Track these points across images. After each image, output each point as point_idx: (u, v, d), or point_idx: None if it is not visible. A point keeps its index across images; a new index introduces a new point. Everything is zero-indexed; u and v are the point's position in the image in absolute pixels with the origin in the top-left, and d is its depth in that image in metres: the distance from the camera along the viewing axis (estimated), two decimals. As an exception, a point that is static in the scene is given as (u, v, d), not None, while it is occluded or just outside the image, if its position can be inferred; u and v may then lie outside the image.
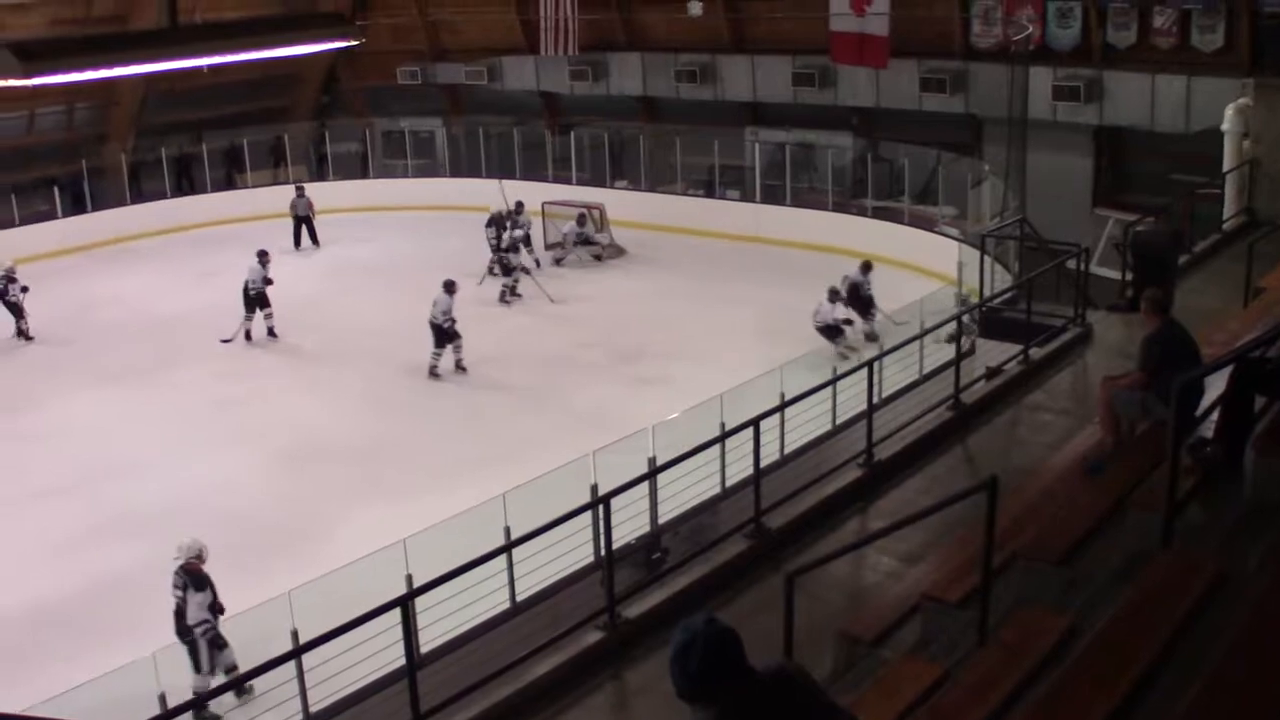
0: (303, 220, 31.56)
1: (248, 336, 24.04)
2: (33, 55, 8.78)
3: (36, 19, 29.59)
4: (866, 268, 22.81)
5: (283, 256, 27.51)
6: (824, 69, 29.77)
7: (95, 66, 9.69)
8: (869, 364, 12.11)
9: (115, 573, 15.00)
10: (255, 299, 24.09)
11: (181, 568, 12.49)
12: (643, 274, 27.39)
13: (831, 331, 21.48)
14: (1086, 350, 14.49)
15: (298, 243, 31.30)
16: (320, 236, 31.53)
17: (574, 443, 15.33)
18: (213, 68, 23.88)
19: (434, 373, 21.87)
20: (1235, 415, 8.38)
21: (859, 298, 22.40)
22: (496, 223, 27.70)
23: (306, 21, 22.68)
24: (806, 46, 29.80)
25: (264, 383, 21.82)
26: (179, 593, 12.43)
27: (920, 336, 16.79)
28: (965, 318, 18.28)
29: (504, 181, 28.63)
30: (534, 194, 30.81)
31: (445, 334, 21.90)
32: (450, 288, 22.13)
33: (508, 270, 26.38)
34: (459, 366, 22.01)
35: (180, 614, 12.42)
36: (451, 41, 36.84)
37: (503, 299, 25.86)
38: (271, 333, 24.12)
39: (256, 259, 24.53)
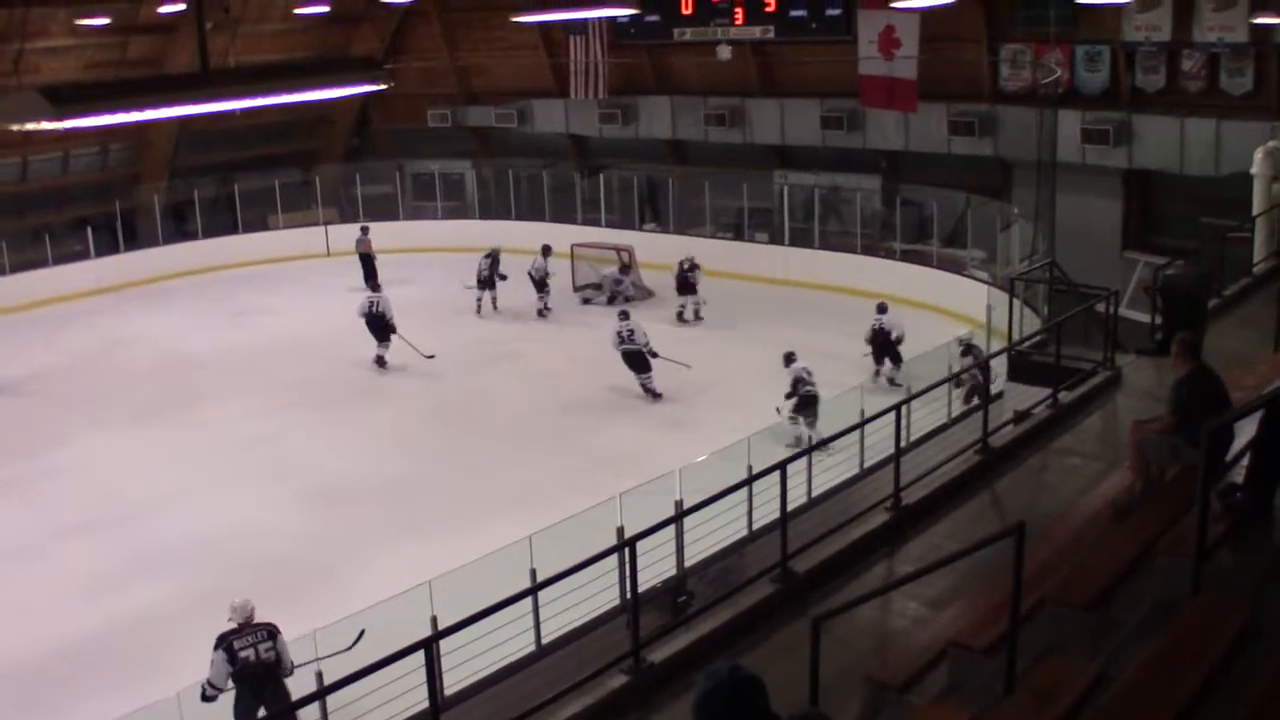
0: (365, 260, 31.53)
1: (381, 362, 24.59)
2: (64, 99, 8.83)
3: (73, 62, 29.90)
4: (882, 309, 22.69)
5: (350, 293, 27.74)
6: (852, 112, 29.82)
7: (128, 109, 9.75)
8: (897, 408, 11.99)
9: (143, 612, 15.01)
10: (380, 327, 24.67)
11: (253, 625, 11.92)
12: (670, 316, 27.27)
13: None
14: (1116, 394, 14.37)
15: (368, 280, 31.00)
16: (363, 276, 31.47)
17: (600, 485, 15.41)
18: (245, 110, 24.30)
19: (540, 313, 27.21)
20: (1266, 460, 8.29)
21: (887, 342, 22.27)
22: (493, 255, 28.27)
23: (338, 66, 22.84)
24: (835, 90, 29.87)
25: (291, 421, 21.86)
26: (269, 647, 11.77)
27: (950, 380, 16.81)
28: (969, 372, 18.65)
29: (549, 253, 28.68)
30: (563, 236, 30.94)
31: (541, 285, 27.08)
32: (546, 251, 27.04)
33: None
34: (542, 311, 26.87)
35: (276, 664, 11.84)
36: (481, 84, 37.08)
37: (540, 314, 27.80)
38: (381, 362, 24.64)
39: (373, 288, 25.82)
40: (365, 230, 31.98)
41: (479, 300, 28.24)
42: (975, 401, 18.55)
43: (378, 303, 24.92)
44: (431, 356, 24.59)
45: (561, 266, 29.50)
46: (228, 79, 14.16)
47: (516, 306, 28.25)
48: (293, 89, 11.88)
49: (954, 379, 17.84)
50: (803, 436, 19.25)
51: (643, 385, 22.24)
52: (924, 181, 29.65)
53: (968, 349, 20.06)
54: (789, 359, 20.10)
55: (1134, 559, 8.49)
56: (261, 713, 11.67)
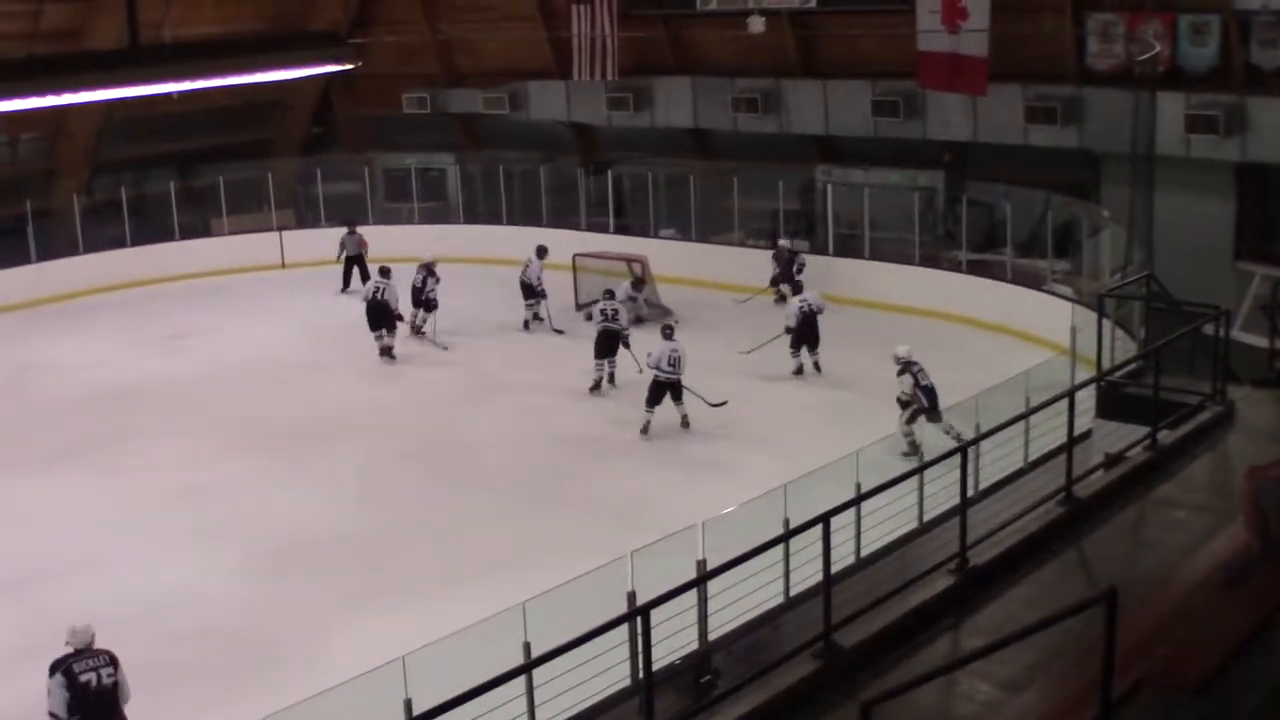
0: (354, 260, 32.72)
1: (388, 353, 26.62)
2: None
3: (-28, 35, 29.97)
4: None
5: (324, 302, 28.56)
6: (910, 96, 29.83)
7: (41, 93, 9.82)
8: (963, 449, 11.99)
9: (39, 698, 14.33)
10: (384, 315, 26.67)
11: (93, 650, 12.56)
12: (691, 339, 26.17)
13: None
14: (1228, 434, 14.40)
15: (347, 284, 32.44)
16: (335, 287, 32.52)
17: (607, 541, 15.42)
18: (182, 94, 24.36)
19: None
20: None
21: (814, 326, 23.62)
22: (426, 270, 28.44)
23: (294, 41, 22.95)
24: (889, 69, 30.02)
25: (237, 468, 21.76)
26: (110, 673, 12.49)
27: (1025, 416, 16.71)
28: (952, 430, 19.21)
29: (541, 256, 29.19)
30: (564, 244, 31.01)
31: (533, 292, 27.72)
32: (542, 252, 28.04)
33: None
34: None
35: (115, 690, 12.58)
36: (467, 64, 37.39)
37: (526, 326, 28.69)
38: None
39: (381, 274, 27.37)
40: (352, 227, 32.99)
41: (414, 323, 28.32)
42: (918, 426, 20.51)
43: (383, 289, 26.67)
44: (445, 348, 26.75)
45: (562, 281, 29.53)
46: (161, 56, 14.21)
47: (507, 326, 28.37)
48: (240, 69, 11.97)
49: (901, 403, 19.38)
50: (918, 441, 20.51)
51: (602, 372, 24.48)
52: (995, 179, 29.70)
53: (905, 368, 20.69)
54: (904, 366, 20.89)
55: (1250, 632, 8.47)
56: None
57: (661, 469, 21.20)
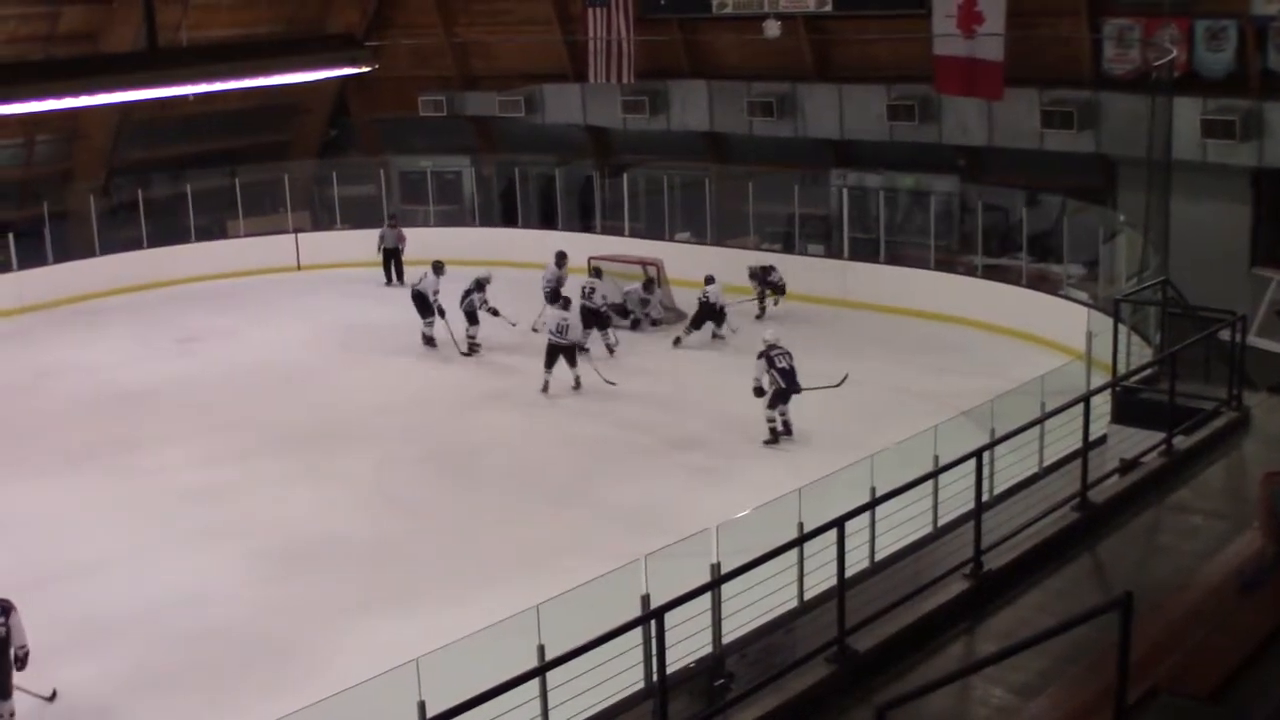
0: (391, 254, 33.28)
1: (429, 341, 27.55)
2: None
3: (-8, 36, 29.99)
4: (710, 280, 27.33)
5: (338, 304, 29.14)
6: (925, 100, 29.82)
7: (59, 94, 9.84)
8: (978, 454, 11.93)
9: (70, 693, 14.85)
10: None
11: None
12: (705, 343, 27.44)
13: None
14: (1243, 439, 14.40)
15: (389, 278, 33.12)
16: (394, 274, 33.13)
17: (620, 545, 15.59)
18: (199, 96, 24.59)
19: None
20: None
21: (713, 312, 26.71)
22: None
23: (310, 44, 22.94)
24: (905, 73, 30.02)
25: (250, 470, 21.78)
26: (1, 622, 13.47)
27: (1040, 421, 16.66)
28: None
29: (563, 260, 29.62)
30: (580, 247, 31.09)
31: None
32: (562, 259, 28.99)
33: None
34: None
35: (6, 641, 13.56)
36: (483, 66, 37.37)
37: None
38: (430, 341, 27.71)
39: (434, 268, 28.03)
40: (394, 222, 33.81)
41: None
42: (779, 412, 21.58)
43: (423, 278, 27.81)
44: (514, 324, 27.72)
45: (578, 284, 29.08)
46: (179, 59, 14.26)
47: (521, 328, 28.26)
48: (257, 71, 11.98)
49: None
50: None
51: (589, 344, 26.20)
52: (1011, 184, 29.73)
53: (763, 353, 21.81)
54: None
55: (1264, 639, 8.47)
56: None
57: (675, 472, 21.15)
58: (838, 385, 22.66)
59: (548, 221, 35.66)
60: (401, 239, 33.35)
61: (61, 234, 33.34)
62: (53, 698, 14.51)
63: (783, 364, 21.58)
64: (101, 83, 10.60)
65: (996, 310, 27.08)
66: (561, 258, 29.04)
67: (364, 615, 16.59)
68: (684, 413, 22.78)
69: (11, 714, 13.43)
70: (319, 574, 17.98)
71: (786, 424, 21.69)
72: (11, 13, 30.21)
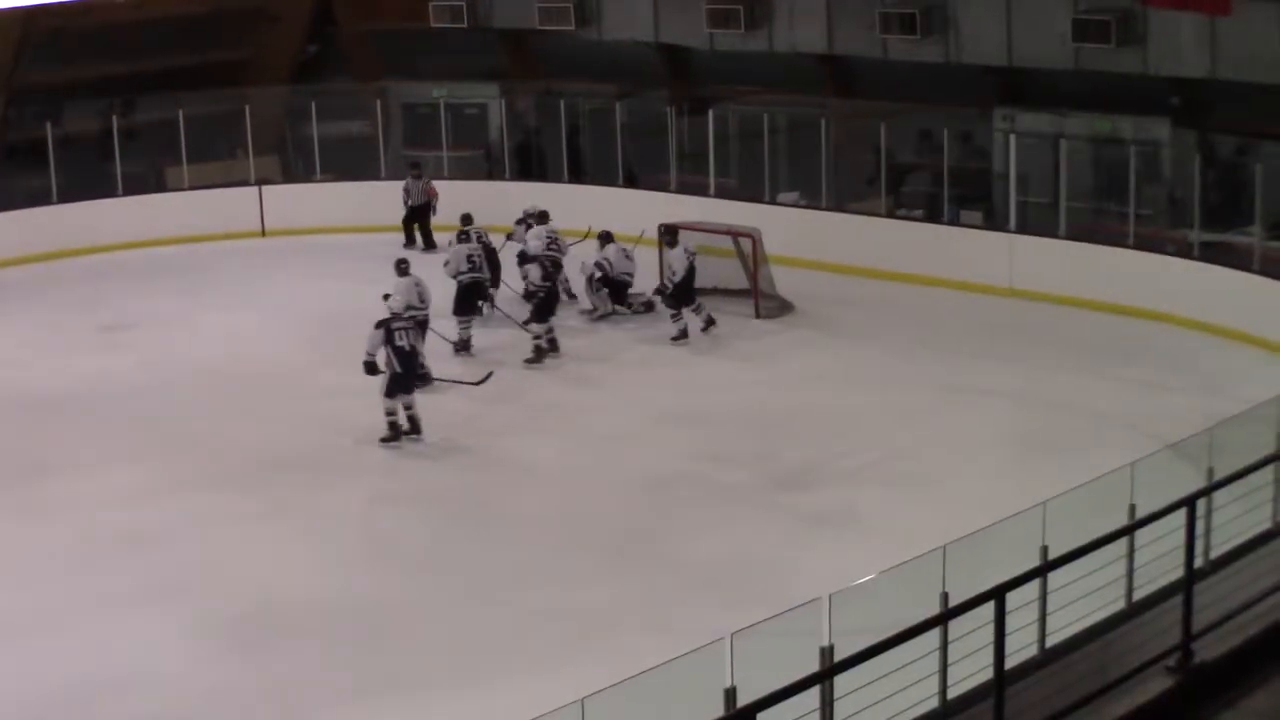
0: (417, 212, 30.90)
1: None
2: None
3: None
4: (606, 237, 26.24)
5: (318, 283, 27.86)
6: (1124, 15, 26.46)
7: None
8: (1189, 502, 10.87)
9: None
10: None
11: None
12: (819, 345, 25.47)
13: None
14: None
15: (410, 240, 30.53)
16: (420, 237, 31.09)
17: (694, 617, 15.21)
18: (132, -1, 23.02)
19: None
20: None
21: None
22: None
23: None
24: (1095, -22, 27.52)
25: (198, 506, 19.60)
26: None
27: (1277, 459, 14.59)
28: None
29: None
30: (645, 211, 28.18)
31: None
32: (606, 238, 26.16)
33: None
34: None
35: None
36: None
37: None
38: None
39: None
40: (419, 171, 31.08)
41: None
42: (400, 403, 20.75)
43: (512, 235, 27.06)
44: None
45: (646, 259, 26.78)
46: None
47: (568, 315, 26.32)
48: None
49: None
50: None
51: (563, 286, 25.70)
52: (1243, 131, 26.48)
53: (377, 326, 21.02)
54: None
55: None
56: None
57: (773, 520, 19.18)
58: (479, 383, 22.15)
59: (604, 174, 32.97)
60: (433, 193, 30.53)
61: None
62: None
63: (401, 341, 20.69)
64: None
65: (1219, 305, 24.59)
66: (606, 238, 26.31)
67: (352, 707, 15.35)
68: (788, 440, 21.06)
69: None
70: (290, 651, 16.54)
71: (413, 419, 20.91)
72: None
